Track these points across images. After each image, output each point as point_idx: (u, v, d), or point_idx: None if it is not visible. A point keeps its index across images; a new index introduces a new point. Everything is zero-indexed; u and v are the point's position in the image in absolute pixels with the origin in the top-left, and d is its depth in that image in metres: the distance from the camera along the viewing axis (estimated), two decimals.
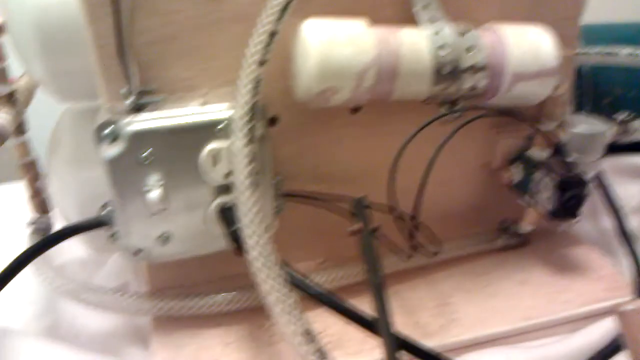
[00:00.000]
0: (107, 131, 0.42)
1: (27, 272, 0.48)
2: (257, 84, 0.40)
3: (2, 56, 0.51)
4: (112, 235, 0.47)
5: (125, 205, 0.44)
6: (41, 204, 0.58)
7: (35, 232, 0.57)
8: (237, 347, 0.50)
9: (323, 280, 0.53)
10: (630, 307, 0.37)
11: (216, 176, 0.44)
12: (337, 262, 0.55)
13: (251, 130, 0.41)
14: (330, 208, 0.51)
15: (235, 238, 0.43)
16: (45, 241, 0.47)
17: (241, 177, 0.40)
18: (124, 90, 0.44)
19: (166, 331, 0.51)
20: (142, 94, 0.44)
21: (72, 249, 0.66)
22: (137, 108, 0.44)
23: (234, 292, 0.52)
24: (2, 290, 0.45)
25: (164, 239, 0.46)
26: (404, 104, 0.48)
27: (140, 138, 0.42)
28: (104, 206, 0.47)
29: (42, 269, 0.53)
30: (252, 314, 0.52)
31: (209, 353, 0.50)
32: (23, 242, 0.54)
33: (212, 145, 0.43)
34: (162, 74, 0.44)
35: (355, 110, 0.51)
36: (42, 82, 0.51)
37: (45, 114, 0.58)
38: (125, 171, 0.43)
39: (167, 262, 0.48)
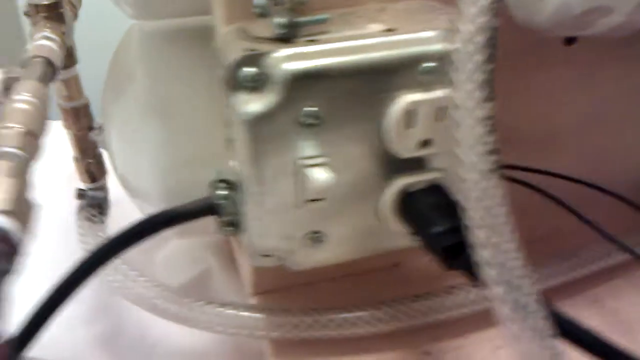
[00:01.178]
0: (248, 72, 0.25)
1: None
2: None
3: None
4: (230, 228, 0.31)
5: (265, 188, 0.28)
6: (96, 168, 0.40)
7: (88, 207, 0.41)
8: None
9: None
10: None
11: (408, 145, 0.28)
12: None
13: (490, 71, 0.24)
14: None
15: (437, 241, 0.27)
16: (133, 232, 0.31)
17: (476, 151, 0.23)
18: (260, 3, 0.27)
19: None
20: (292, 10, 0.27)
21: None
22: (289, 34, 0.26)
23: (384, 308, 0.36)
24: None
25: (315, 239, 0.30)
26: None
27: (304, 85, 0.25)
28: (217, 182, 0.31)
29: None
30: (409, 336, 0.37)
31: None
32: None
33: (411, 97, 0.27)
34: None
35: (570, 41, 0.35)
36: None
37: None
38: (272, 137, 0.26)
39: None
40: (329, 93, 0.26)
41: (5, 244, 0.21)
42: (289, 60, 0.25)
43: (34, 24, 0.33)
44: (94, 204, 0.41)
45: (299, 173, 0.27)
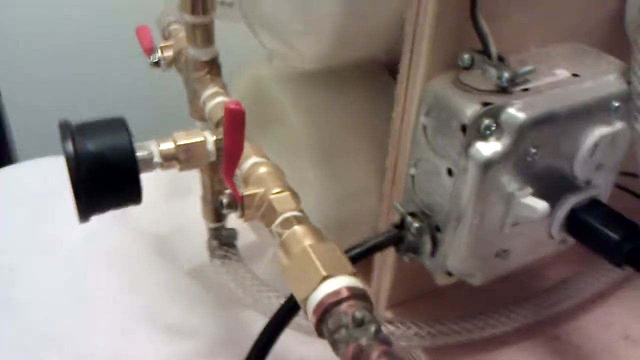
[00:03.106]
0: (488, 123, 0.29)
1: None
2: None
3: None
4: (410, 254, 0.35)
5: (482, 219, 0.32)
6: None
7: (223, 246, 0.42)
8: None
9: None
10: None
11: (588, 169, 0.33)
12: None
13: None
14: None
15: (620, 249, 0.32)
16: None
17: None
18: (466, 57, 0.31)
19: None
20: (502, 61, 0.31)
21: None
22: (509, 85, 0.30)
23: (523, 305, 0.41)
24: None
25: (502, 256, 0.34)
26: None
27: (532, 130, 0.29)
28: (408, 215, 0.34)
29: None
30: (538, 325, 0.42)
31: None
32: None
33: (601, 131, 0.32)
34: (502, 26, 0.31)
35: None
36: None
37: None
38: (497, 176, 0.30)
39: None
40: (547, 134, 0.30)
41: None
42: (522, 111, 0.29)
43: None
44: (228, 243, 0.42)
45: (511, 203, 0.31)
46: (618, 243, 0.33)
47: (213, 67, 0.35)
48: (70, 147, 0.27)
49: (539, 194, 0.32)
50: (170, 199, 0.61)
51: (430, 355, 0.41)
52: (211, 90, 0.34)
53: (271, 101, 0.39)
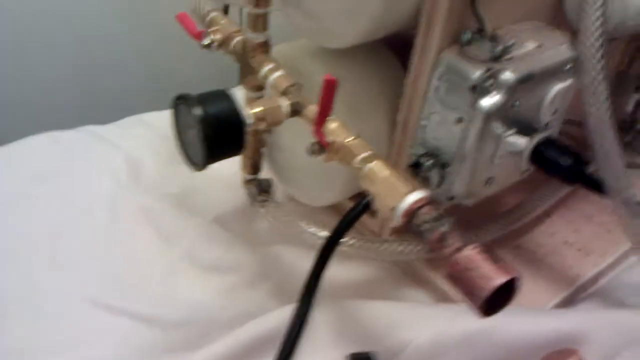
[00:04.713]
0: (490, 82, 0.41)
1: None
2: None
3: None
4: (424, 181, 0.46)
5: (480, 154, 0.44)
6: (259, 163, 0.52)
7: (257, 192, 0.52)
8: None
9: None
10: None
11: (548, 114, 0.46)
12: None
13: (605, 64, 0.43)
14: None
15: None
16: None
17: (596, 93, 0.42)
18: (467, 34, 0.42)
19: None
20: (494, 37, 0.42)
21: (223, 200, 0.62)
22: (500, 55, 0.42)
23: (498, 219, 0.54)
24: None
25: (489, 182, 0.47)
26: None
27: (517, 85, 0.42)
28: (422, 156, 0.46)
29: None
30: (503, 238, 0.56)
31: None
32: None
33: (560, 86, 0.45)
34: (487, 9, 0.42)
35: None
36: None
37: None
38: (492, 122, 0.42)
39: None
40: (526, 89, 0.42)
41: None
42: (512, 73, 0.41)
43: None
44: (266, 190, 0.52)
45: (500, 141, 0.44)
46: (569, 167, 0.46)
47: (267, 47, 0.45)
48: (199, 111, 0.36)
49: (518, 134, 0.44)
50: (172, 165, 0.68)
51: (427, 264, 0.53)
52: (269, 65, 0.44)
53: (302, 74, 0.49)
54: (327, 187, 0.52)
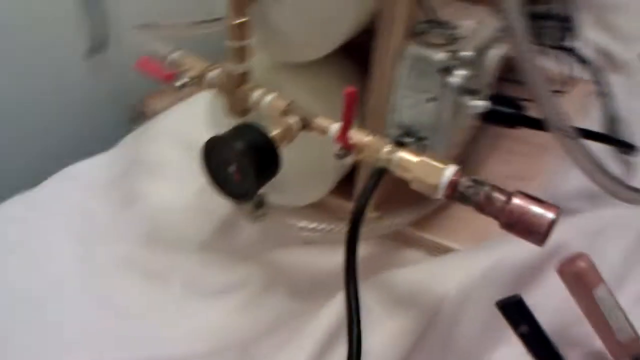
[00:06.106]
0: (454, 61, 0.48)
1: None
2: None
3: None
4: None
5: (451, 124, 0.51)
6: None
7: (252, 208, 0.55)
8: None
9: None
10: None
11: (490, 77, 0.54)
12: None
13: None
14: None
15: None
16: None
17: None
18: (421, 26, 0.49)
19: None
20: (442, 24, 0.50)
21: None
22: (452, 39, 0.49)
23: None
24: None
25: (456, 144, 0.55)
26: None
27: (474, 59, 0.49)
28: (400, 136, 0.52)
29: None
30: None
31: None
32: None
33: (498, 52, 0.53)
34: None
35: None
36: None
37: None
38: (460, 94, 0.50)
39: None
40: (477, 61, 0.50)
41: None
42: (468, 50, 0.48)
43: None
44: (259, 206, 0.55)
45: (467, 106, 0.51)
46: (515, 115, 0.55)
47: (248, 75, 0.48)
48: (240, 145, 0.39)
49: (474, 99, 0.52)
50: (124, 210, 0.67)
51: (413, 227, 0.60)
52: (259, 91, 0.47)
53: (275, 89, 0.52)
54: (314, 185, 0.56)
